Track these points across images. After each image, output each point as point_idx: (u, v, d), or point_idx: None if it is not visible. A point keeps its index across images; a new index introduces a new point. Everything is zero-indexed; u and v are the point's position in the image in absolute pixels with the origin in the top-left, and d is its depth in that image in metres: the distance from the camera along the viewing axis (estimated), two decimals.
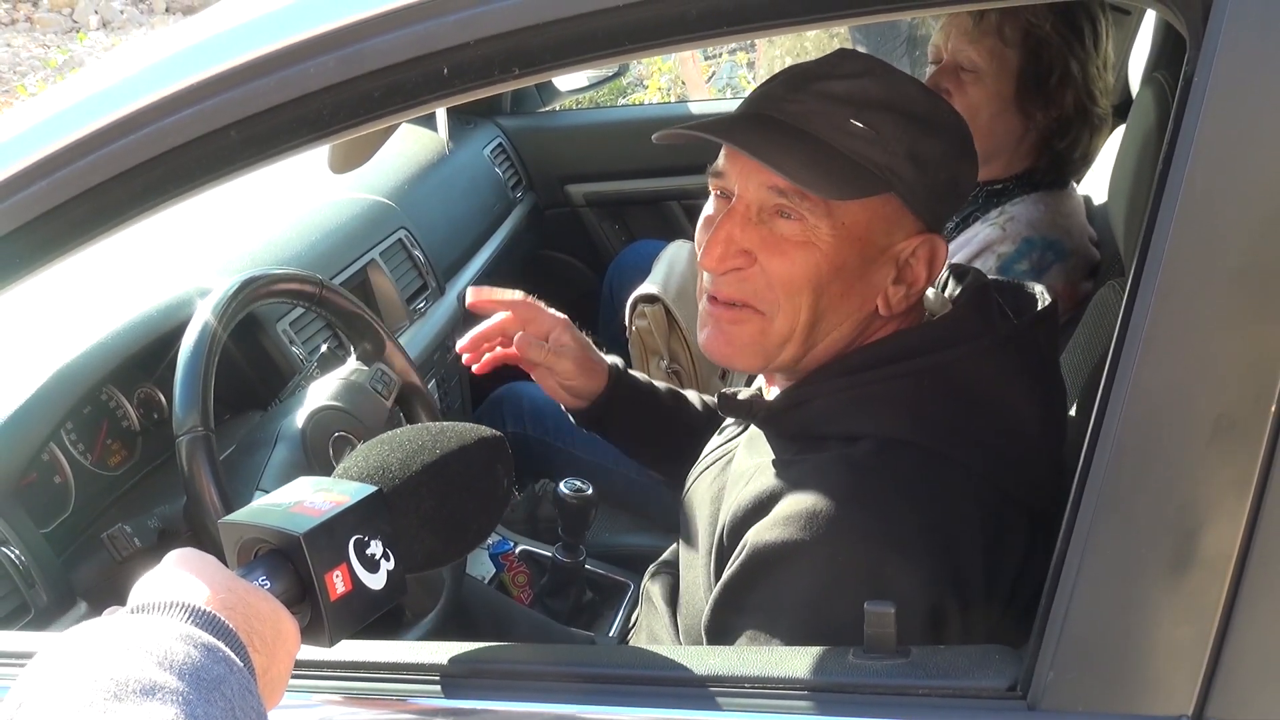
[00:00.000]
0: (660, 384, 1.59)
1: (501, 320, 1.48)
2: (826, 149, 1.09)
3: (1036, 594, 0.90)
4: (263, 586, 0.84)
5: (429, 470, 0.99)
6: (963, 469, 1.09)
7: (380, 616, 0.92)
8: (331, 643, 0.88)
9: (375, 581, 0.90)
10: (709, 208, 1.21)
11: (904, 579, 1.03)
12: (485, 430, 1.06)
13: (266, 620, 0.80)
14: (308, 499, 0.91)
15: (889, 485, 1.07)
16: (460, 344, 1.51)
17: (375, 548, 0.91)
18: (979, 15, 1.76)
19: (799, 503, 1.06)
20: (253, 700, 0.71)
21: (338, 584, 0.87)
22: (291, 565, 0.87)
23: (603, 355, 1.54)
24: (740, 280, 1.15)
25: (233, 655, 0.72)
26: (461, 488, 1.02)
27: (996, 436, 1.12)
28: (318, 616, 0.87)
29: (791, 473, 1.10)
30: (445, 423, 1.07)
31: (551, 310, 1.52)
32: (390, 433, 1.04)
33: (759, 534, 1.08)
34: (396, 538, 0.93)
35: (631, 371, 1.57)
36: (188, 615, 0.74)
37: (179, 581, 0.79)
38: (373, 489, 0.93)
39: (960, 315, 1.17)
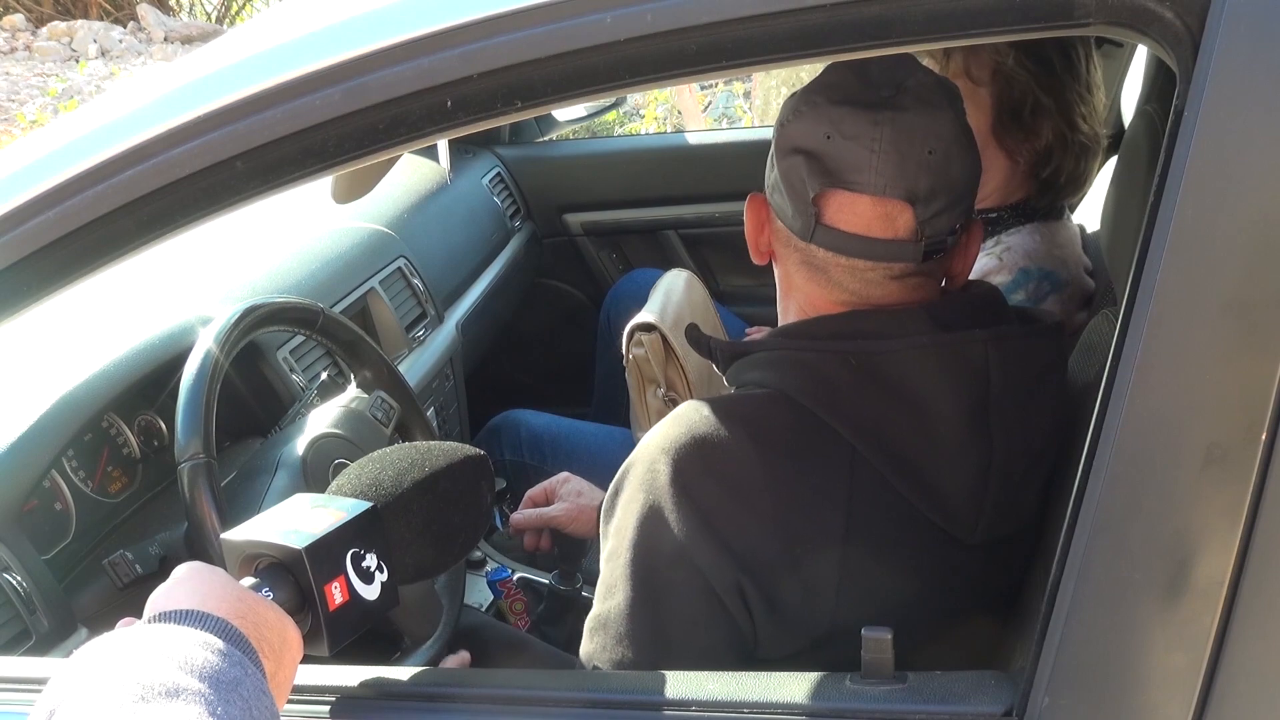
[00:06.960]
0: None
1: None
2: None
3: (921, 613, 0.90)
4: (266, 597, 0.88)
5: (419, 486, 1.05)
6: (846, 446, 1.10)
7: (378, 642, 0.94)
8: (330, 650, 0.92)
9: (370, 592, 0.95)
10: None
11: (730, 524, 1.09)
12: (470, 449, 1.12)
13: (274, 628, 0.84)
14: (306, 514, 0.95)
15: (754, 432, 1.12)
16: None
17: (370, 560, 0.95)
18: (945, 57, 1.77)
19: (667, 430, 1.14)
20: (266, 700, 0.76)
21: (336, 595, 0.91)
22: (292, 577, 0.91)
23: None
24: None
25: (247, 660, 0.77)
26: (449, 503, 1.07)
27: (906, 433, 1.11)
28: (317, 625, 0.91)
29: (694, 410, 1.16)
30: (432, 442, 1.12)
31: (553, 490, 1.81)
32: (381, 451, 1.09)
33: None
34: (389, 551, 0.98)
35: None
36: (204, 624, 0.79)
37: (192, 592, 0.84)
38: (368, 505, 0.97)
39: (911, 313, 1.15)
